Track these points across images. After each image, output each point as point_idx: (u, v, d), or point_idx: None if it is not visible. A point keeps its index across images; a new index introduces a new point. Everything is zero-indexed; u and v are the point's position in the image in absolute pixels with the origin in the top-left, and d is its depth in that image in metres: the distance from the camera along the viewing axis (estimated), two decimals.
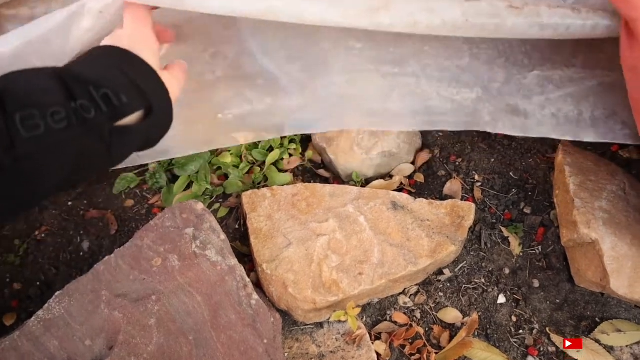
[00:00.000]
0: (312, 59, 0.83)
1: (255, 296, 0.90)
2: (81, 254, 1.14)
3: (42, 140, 0.39)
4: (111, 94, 0.44)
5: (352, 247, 0.98)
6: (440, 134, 1.25)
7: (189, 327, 0.85)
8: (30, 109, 0.39)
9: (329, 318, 0.98)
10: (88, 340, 0.86)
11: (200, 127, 0.85)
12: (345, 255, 0.97)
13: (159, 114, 0.50)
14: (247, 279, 0.91)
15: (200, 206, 0.97)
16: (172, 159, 1.25)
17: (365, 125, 0.92)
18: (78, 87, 0.42)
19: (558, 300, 0.98)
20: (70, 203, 1.20)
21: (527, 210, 1.08)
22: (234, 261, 0.92)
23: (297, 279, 0.94)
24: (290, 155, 1.25)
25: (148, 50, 0.51)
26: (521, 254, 1.04)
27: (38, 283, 1.10)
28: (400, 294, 1.02)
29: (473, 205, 1.03)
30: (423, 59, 0.82)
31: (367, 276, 0.95)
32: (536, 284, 1.00)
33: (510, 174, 1.14)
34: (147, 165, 1.26)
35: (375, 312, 1.00)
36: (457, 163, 1.17)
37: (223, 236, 0.93)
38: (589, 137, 0.82)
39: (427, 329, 0.98)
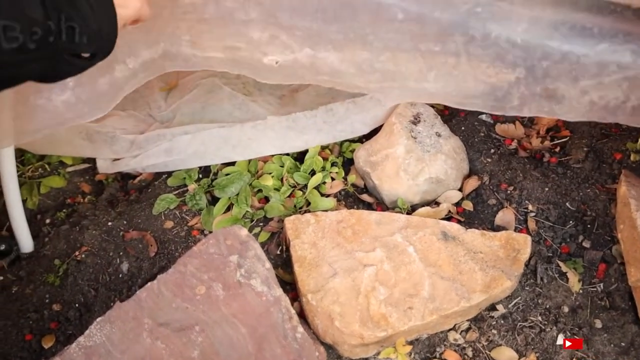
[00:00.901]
0: (351, 32, 0.80)
1: (301, 329, 0.86)
2: (120, 275, 1.12)
3: (17, 54, 0.43)
4: (77, 31, 0.49)
5: (400, 279, 0.94)
6: (489, 160, 1.20)
7: None
8: (13, 20, 0.42)
9: (376, 354, 0.93)
10: None
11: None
12: (393, 287, 0.93)
13: (100, 59, 0.56)
14: (293, 311, 0.87)
15: (244, 232, 0.94)
16: (212, 181, 1.24)
17: (404, 98, 1.01)
18: (52, 10, 0.46)
19: (623, 344, 0.91)
20: (110, 223, 1.19)
21: (587, 244, 1.02)
22: (279, 291, 0.88)
23: (344, 312, 0.90)
24: (333, 179, 1.22)
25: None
26: (581, 291, 0.98)
27: (77, 305, 1.09)
28: (450, 329, 0.96)
29: (529, 238, 0.98)
30: (470, 27, 0.75)
31: (417, 311, 0.90)
32: (598, 324, 0.94)
33: (567, 204, 1.08)
34: (186, 186, 1.25)
35: (424, 349, 0.95)
36: (509, 191, 1.12)
37: (268, 265, 0.90)
38: (617, 121, 0.81)
39: None
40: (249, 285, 0.87)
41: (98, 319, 0.88)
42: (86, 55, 0.54)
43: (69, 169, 1.36)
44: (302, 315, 0.96)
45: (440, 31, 0.78)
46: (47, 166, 1.35)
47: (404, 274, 0.94)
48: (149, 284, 0.89)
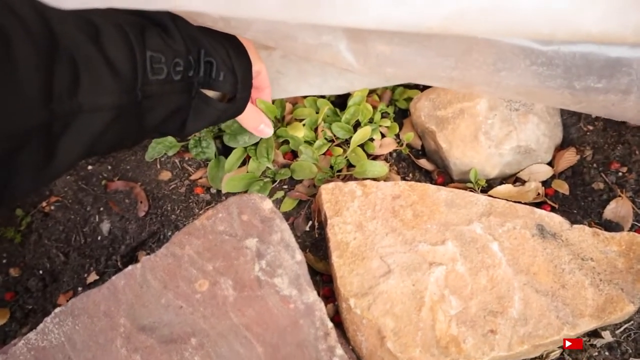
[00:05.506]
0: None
1: (340, 351, 0.61)
2: (99, 238, 0.87)
3: (161, 86, 0.43)
4: (215, 66, 0.48)
5: (479, 287, 0.67)
6: (591, 127, 0.90)
7: None
8: (159, 52, 0.42)
9: None
10: None
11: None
12: (469, 299, 0.67)
13: (238, 105, 0.54)
14: (330, 324, 0.62)
15: (268, 205, 0.67)
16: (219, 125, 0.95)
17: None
18: (192, 45, 0.46)
19: None
20: (89, 168, 0.92)
21: None
22: (312, 296, 0.62)
23: (400, 328, 0.65)
24: (383, 135, 0.93)
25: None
26: None
27: (40, 272, 0.84)
28: (535, 358, 0.71)
29: None
30: None
31: (502, 336, 0.64)
32: None
33: None
34: None
35: None
36: (621, 173, 0.83)
37: (299, 256, 0.64)
38: None
39: None
40: (271, 286, 0.61)
41: (56, 310, 0.63)
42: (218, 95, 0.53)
43: None
44: (337, 324, 0.71)
45: (610, 64, 0.56)
46: None
47: (485, 280, 0.68)
48: (130, 267, 0.63)
